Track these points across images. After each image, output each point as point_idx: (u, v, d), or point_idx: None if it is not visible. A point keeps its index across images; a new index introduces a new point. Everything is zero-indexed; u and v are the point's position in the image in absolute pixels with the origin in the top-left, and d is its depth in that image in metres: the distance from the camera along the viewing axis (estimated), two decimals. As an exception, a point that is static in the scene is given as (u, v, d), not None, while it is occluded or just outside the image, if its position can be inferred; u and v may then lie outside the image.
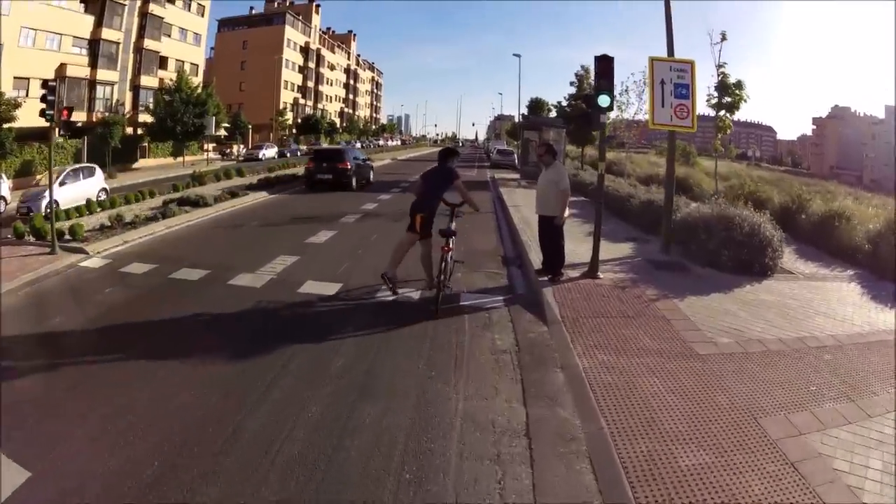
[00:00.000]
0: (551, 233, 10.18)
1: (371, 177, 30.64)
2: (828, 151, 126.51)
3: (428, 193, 9.50)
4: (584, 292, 9.61)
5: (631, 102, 27.49)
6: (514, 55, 64.96)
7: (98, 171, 25.92)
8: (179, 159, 49.57)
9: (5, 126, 31.74)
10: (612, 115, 43.34)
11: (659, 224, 13.62)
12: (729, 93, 19.39)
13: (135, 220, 15.80)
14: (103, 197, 23.27)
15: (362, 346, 7.41)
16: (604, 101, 10.41)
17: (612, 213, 17.94)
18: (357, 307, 9.10)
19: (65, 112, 14.48)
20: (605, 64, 10.58)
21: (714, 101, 20.11)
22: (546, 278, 10.15)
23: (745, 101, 19.48)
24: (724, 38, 19.32)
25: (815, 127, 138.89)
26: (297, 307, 9.05)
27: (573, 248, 12.41)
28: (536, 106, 60.65)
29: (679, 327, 7.95)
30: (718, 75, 19.22)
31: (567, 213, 10.19)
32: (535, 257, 11.60)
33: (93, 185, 24.40)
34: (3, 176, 26.19)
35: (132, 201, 20.32)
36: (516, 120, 78.76)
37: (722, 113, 19.46)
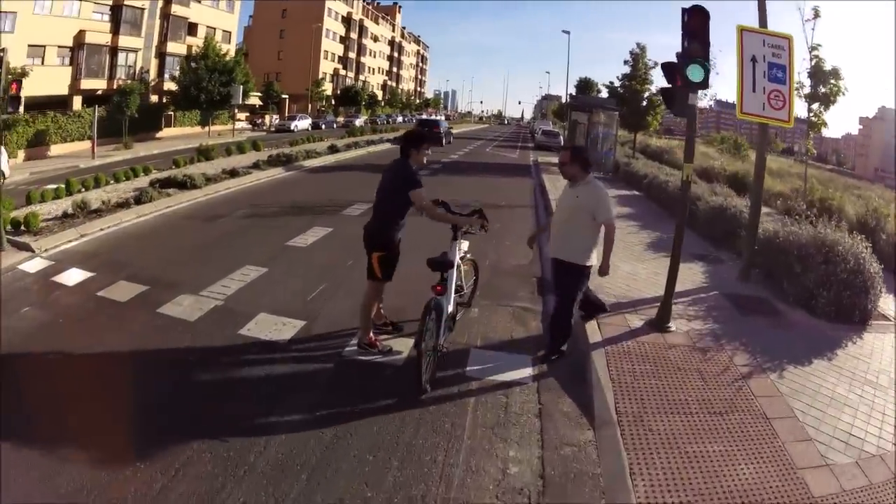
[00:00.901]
0: (568, 289, 6.66)
1: (451, 139, 46.52)
2: (872, 153, 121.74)
3: (378, 214, 6.56)
4: (651, 360, 6.64)
5: None
6: (564, 32, 61.87)
7: (2, 151, 23.23)
8: (206, 129, 47.32)
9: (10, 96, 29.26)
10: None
11: (733, 237, 11.40)
12: (823, 82, 15.72)
13: (102, 206, 13.26)
14: (-2, 181, 20.91)
15: (288, 462, 4.57)
16: (695, 73, 7.21)
17: (669, 213, 15.54)
18: (310, 371, 6.22)
19: (13, 85, 12.52)
20: (697, 19, 7.36)
21: (805, 90, 16.02)
22: (539, 355, 6.80)
23: (844, 93, 15.86)
24: (817, 15, 15.73)
25: (861, 126, 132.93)
26: (226, 364, 6.25)
27: (630, 271, 9.83)
28: (585, 86, 57.88)
29: (783, 434, 5.27)
30: (811, 59, 15.59)
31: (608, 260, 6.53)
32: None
33: None
34: (2, 149, 24.20)
35: (120, 179, 17.93)
36: (563, 100, 76.25)
37: (816, 106, 15.81)
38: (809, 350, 7.13)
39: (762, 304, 8.87)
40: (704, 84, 7.39)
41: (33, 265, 9.80)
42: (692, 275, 9.87)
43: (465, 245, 6.89)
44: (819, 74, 15.30)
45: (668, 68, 7.68)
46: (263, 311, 7.58)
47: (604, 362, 6.44)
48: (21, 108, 31.41)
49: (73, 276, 9.08)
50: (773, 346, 7.17)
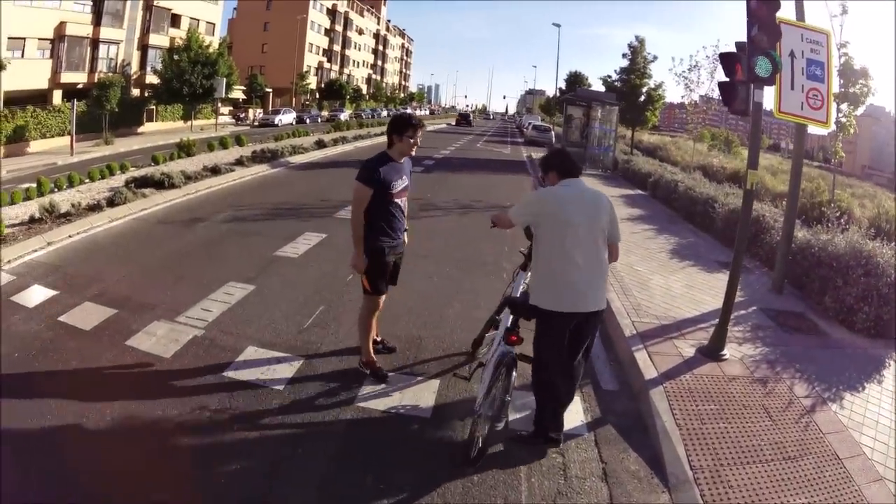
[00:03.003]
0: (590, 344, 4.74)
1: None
2: (860, 150, 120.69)
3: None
4: (714, 398, 5.66)
5: (701, 81, 24.62)
6: (554, 24, 61.16)
7: None
8: (189, 123, 45.66)
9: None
10: (680, 93, 38.91)
11: (756, 244, 10.92)
12: (853, 82, 14.64)
13: (72, 210, 11.85)
14: None
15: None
16: (763, 66, 6.05)
17: (679, 214, 15.44)
18: (315, 431, 4.86)
19: None
20: (765, 5, 6.17)
21: (834, 89, 14.83)
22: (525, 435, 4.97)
23: (874, 93, 14.82)
24: (845, 11, 14.62)
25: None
26: (208, 423, 4.87)
27: (663, 284, 8.95)
28: (575, 80, 56.66)
29: (857, 476, 4.68)
30: (840, 57, 14.50)
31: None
32: (619, 301, 8.07)
33: None
34: None
35: (95, 178, 16.43)
36: (550, 95, 75.73)
37: (845, 106, 14.74)
38: (860, 373, 6.60)
39: (801, 321, 8.15)
40: (772, 79, 6.31)
41: (-8, 279, 8.41)
42: (723, 286, 8.90)
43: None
44: (848, 73, 14.22)
45: (727, 59, 6.54)
46: (252, 343, 6.30)
47: (666, 405, 5.41)
48: (0, 103, 30.36)
49: (34, 296, 7.70)
50: (825, 370, 6.56)
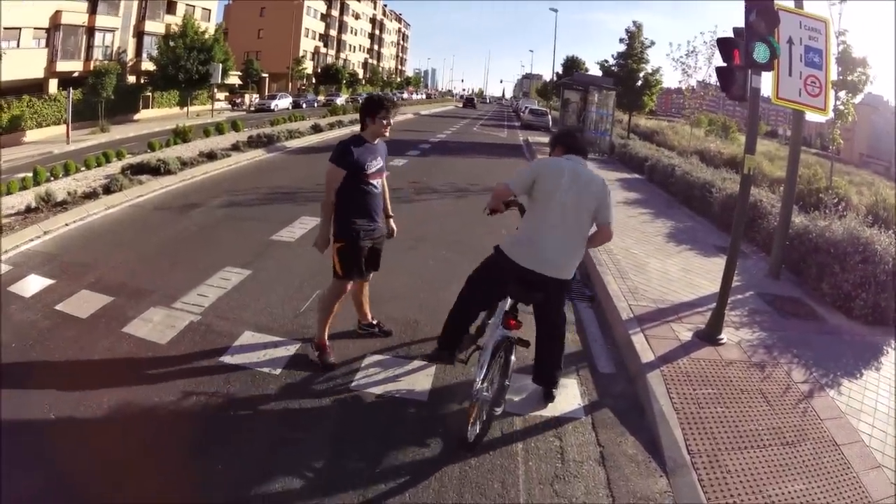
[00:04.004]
0: (555, 316, 4.95)
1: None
2: (858, 138, 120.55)
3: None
4: (712, 382, 5.65)
5: (699, 66, 24.74)
6: (551, 10, 60.76)
7: None
8: (185, 109, 45.43)
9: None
10: (677, 78, 39.30)
11: (753, 229, 10.89)
12: (851, 69, 14.59)
13: (68, 198, 11.77)
14: None
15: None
16: (761, 52, 6.06)
17: (676, 199, 15.38)
18: (312, 415, 4.84)
19: None
20: None
21: (832, 77, 14.73)
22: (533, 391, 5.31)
23: (872, 81, 14.80)
24: None
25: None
26: (205, 408, 4.84)
27: (660, 268, 8.91)
28: (572, 64, 56.49)
29: (855, 463, 4.68)
30: (838, 45, 14.42)
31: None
32: (616, 284, 8.06)
33: None
34: None
35: (91, 166, 16.32)
36: (546, 80, 75.46)
37: (843, 94, 14.70)
38: (857, 360, 6.57)
39: (799, 306, 8.16)
40: (769, 65, 6.31)
41: (-14, 270, 8.38)
42: (720, 270, 8.93)
43: None
44: (847, 61, 14.17)
45: (724, 44, 6.51)
46: (248, 328, 6.25)
47: (663, 389, 5.36)
48: None
49: (30, 285, 7.64)
50: (822, 356, 6.53)
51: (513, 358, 4.59)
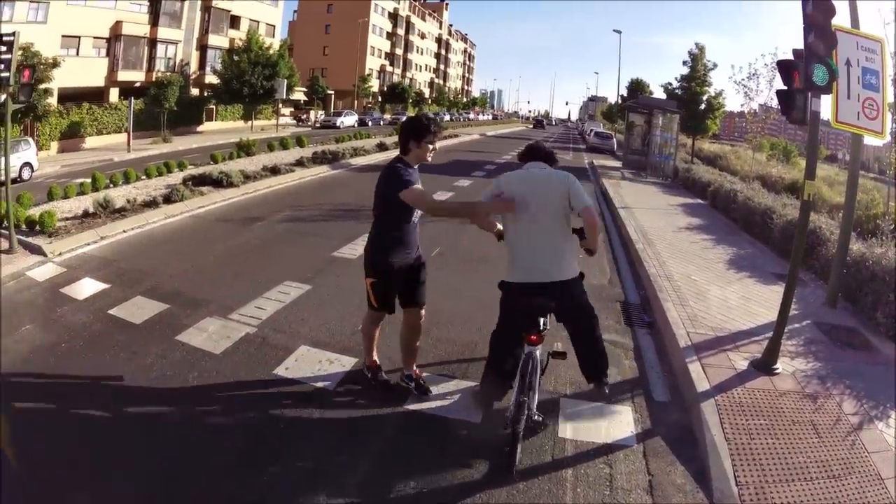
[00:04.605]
0: (577, 314, 5.00)
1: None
2: None
3: (371, 229, 5.32)
4: (764, 412, 5.64)
5: (760, 89, 24.37)
6: (615, 31, 60.75)
7: (30, 143, 24.49)
8: (249, 123, 46.78)
9: (41, 87, 28.85)
10: (739, 101, 39.03)
11: (812, 256, 10.66)
12: None
13: (127, 206, 12.15)
14: (27, 174, 22.43)
15: None
16: (820, 74, 5.93)
17: (737, 224, 15.29)
18: (363, 432, 4.80)
19: (25, 73, 11.59)
20: (821, 10, 6.07)
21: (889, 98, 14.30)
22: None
23: None
24: None
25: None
26: (255, 420, 4.86)
27: (720, 295, 8.89)
28: (637, 87, 56.36)
29: None
30: (894, 65, 13.98)
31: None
32: (676, 311, 7.93)
33: (17, 160, 21.92)
34: (30, 141, 24.60)
35: (152, 175, 16.97)
36: (612, 102, 75.28)
37: None
38: None
39: (854, 336, 8.05)
40: (829, 88, 6.21)
41: (43, 272, 8.80)
42: (779, 298, 8.65)
43: None
44: None
45: (784, 67, 6.46)
46: (305, 342, 6.30)
47: (716, 419, 5.37)
48: (54, 99, 31.69)
49: (84, 288, 7.98)
50: (875, 387, 6.40)
51: (539, 372, 4.68)
